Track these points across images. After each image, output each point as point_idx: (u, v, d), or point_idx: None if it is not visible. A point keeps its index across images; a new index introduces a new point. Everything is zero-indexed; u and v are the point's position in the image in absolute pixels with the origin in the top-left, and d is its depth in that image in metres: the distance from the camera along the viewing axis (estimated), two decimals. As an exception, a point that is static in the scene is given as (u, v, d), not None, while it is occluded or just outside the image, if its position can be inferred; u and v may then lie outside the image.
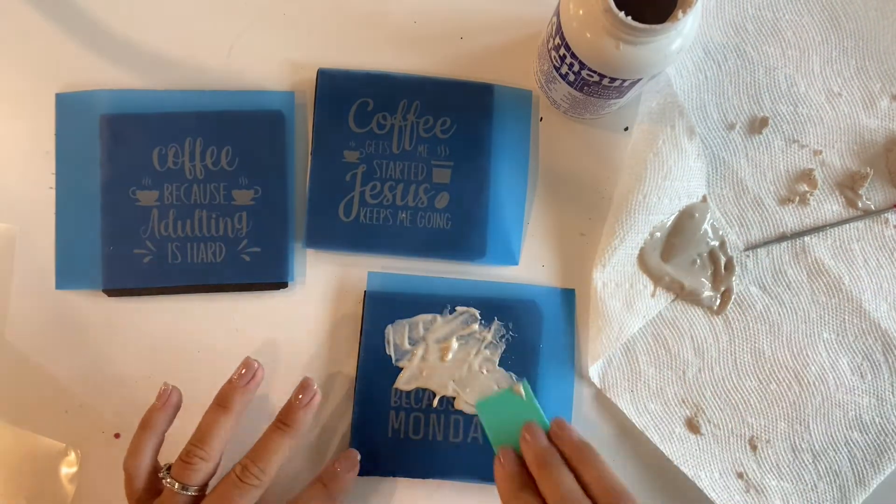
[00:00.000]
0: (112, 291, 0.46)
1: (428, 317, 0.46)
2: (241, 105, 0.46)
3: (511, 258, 0.47)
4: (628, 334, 0.46)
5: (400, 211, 0.46)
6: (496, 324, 0.46)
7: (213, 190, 0.46)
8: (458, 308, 0.46)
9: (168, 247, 0.45)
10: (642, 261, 0.46)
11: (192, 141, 0.46)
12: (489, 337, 0.45)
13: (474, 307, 0.46)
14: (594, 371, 0.46)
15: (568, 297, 0.47)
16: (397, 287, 0.46)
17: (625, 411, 0.46)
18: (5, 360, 0.46)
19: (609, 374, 0.46)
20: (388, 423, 0.45)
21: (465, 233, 0.46)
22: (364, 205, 0.46)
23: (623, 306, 0.45)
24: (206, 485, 0.40)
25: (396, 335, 0.45)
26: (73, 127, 0.46)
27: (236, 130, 0.46)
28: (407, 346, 0.45)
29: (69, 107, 0.46)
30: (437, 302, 0.46)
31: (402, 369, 0.45)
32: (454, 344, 0.45)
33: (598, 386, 0.46)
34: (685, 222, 0.46)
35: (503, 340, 0.45)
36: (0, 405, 0.46)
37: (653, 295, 0.46)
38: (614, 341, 0.45)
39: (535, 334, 0.46)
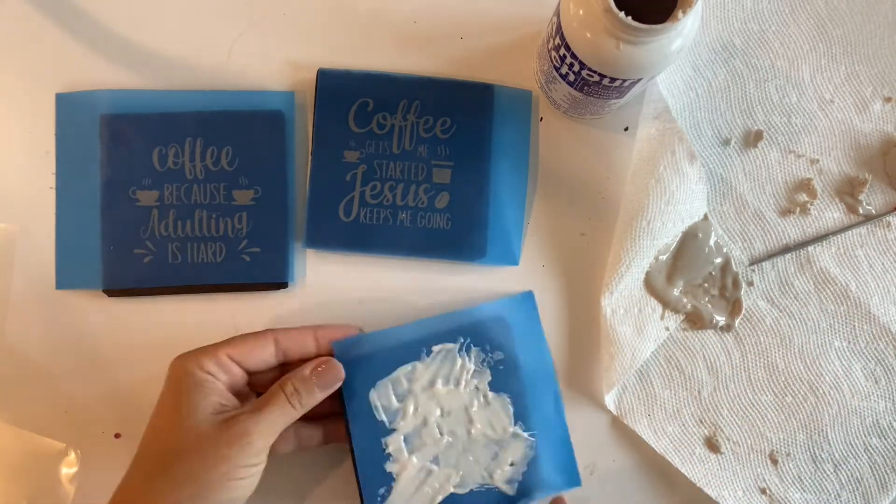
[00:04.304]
0: (112, 291, 0.46)
1: (407, 367, 0.44)
2: (241, 105, 0.46)
3: (511, 258, 0.47)
4: (641, 359, 0.45)
5: (400, 211, 0.46)
6: (475, 351, 0.45)
7: (213, 190, 0.46)
8: (434, 348, 0.44)
9: (168, 247, 0.45)
10: (649, 284, 0.46)
11: (192, 141, 0.46)
12: (471, 366, 0.45)
13: (448, 342, 0.45)
14: (610, 399, 0.46)
15: (526, 300, 0.46)
16: (367, 348, 0.44)
17: (643, 436, 0.46)
18: (5, 360, 0.46)
19: (625, 400, 0.46)
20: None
21: (466, 233, 0.46)
22: (364, 205, 0.46)
23: (634, 331, 0.45)
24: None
25: (381, 398, 0.44)
26: (73, 127, 0.46)
27: (236, 130, 0.46)
28: (395, 403, 0.44)
29: (69, 107, 0.46)
30: (411, 349, 0.44)
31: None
32: (440, 387, 0.44)
33: (615, 413, 0.46)
34: (689, 243, 0.46)
35: (485, 365, 0.45)
36: (0, 405, 0.46)
37: (662, 318, 0.46)
38: (628, 368, 0.45)
39: (510, 347, 0.45)
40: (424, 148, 0.46)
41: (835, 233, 0.47)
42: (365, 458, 0.43)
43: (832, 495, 0.46)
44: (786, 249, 0.47)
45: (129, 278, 0.45)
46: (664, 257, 0.46)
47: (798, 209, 0.47)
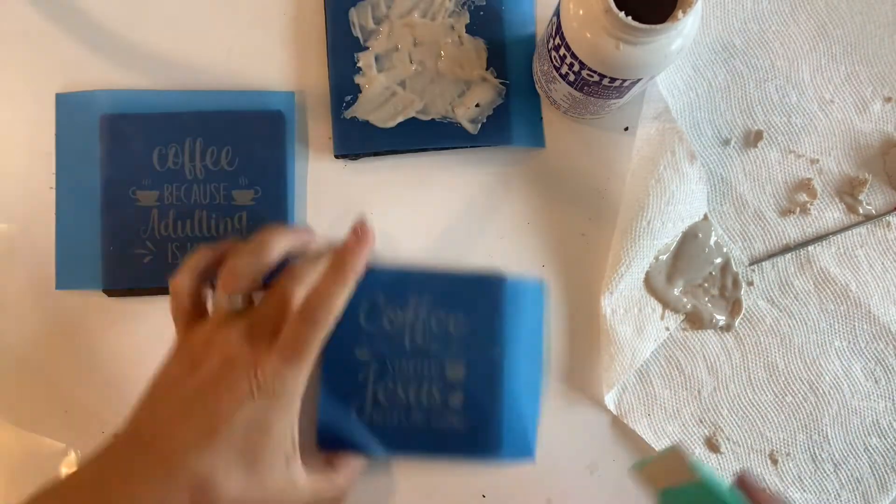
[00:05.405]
0: (112, 291, 0.46)
1: None
2: (241, 105, 0.46)
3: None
4: (641, 359, 0.45)
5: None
6: None
7: (213, 190, 0.46)
8: None
9: (168, 247, 0.45)
10: (649, 284, 0.46)
11: (192, 141, 0.46)
12: (450, 5, 0.45)
13: None
14: (610, 399, 0.46)
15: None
16: None
17: (643, 436, 0.46)
18: (5, 360, 0.46)
19: (625, 400, 0.46)
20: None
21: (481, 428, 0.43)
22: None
23: (633, 331, 0.45)
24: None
25: (360, 17, 0.46)
26: (73, 127, 0.46)
27: (236, 130, 0.46)
28: (372, 25, 0.46)
29: (69, 107, 0.46)
30: None
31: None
32: (416, 17, 0.45)
33: (615, 413, 0.46)
34: (689, 243, 0.46)
35: (465, 8, 0.46)
36: (0, 405, 0.46)
37: (662, 318, 0.46)
38: (628, 368, 0.45)
39: None
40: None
41: (835, 233, 0.47)
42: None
43: (832, 495, 0.46)
44: (786, 249, 0.47)
45: (129, 278, 0.45)
46: (664, 257, 0.46)
47: (798, 209, 0.47)
